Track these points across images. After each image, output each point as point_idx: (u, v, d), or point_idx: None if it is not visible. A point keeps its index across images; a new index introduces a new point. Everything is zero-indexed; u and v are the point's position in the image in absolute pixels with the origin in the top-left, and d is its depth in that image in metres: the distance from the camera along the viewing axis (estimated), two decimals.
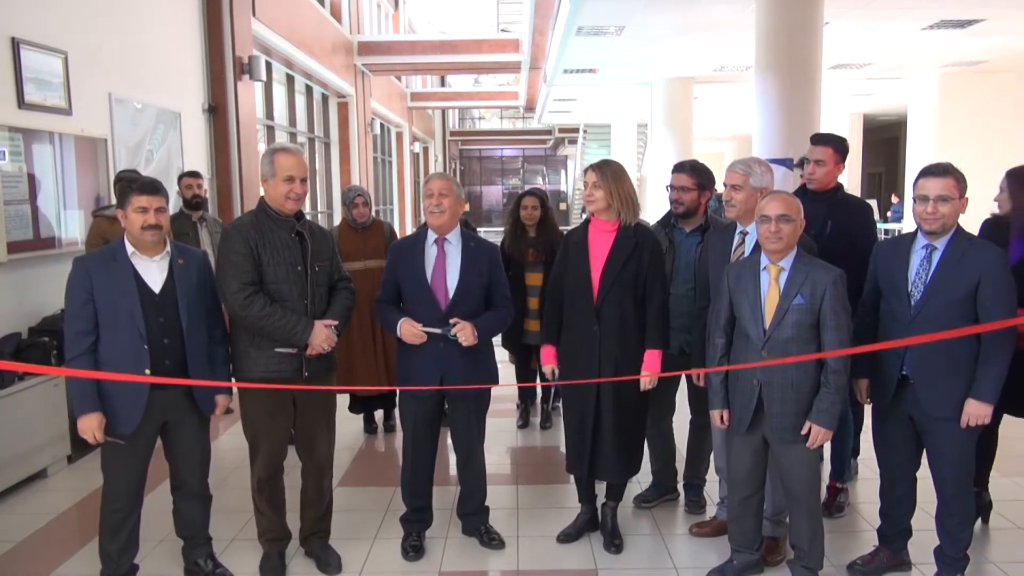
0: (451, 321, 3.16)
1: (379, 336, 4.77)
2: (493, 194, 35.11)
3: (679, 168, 3.59)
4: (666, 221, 3.66)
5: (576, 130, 23.60)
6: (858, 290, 3.04)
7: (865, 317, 3.01)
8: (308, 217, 3.28)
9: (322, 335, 2.99)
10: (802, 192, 3.55)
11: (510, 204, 5.01)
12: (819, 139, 3.64)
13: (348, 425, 4.97)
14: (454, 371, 3.21)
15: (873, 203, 10.22)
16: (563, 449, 3.74)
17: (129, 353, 2.78)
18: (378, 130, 16.02)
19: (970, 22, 8.57)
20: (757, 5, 7.25)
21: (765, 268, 2.85)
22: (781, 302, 2.78)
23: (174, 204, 5.45)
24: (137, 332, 2.78)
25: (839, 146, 3.58)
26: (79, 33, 5.24)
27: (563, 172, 35.29)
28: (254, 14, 8.03)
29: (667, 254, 3.51)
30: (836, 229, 3.39)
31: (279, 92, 10.45)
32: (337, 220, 10.60)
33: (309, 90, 11.78)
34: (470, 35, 15.03)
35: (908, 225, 12.55)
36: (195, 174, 5.42)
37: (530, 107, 20.08)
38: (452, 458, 3.95)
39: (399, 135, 19.07)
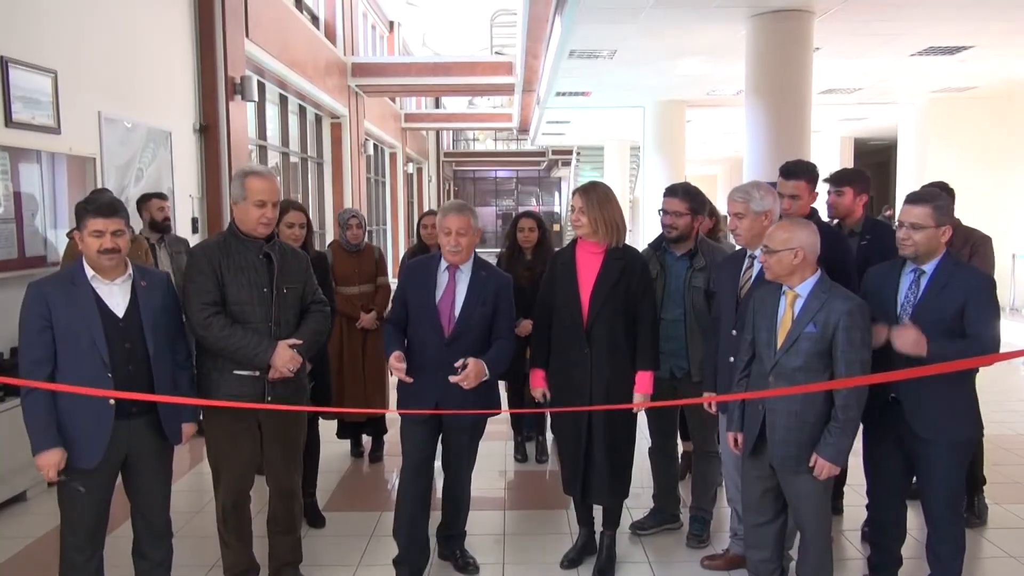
0: (456, 365, 3.05)
1: (368, 361, 4.76)
2: (487, 215, 35.21)
3: (671, 192, 3.53)
4: (657, 244, 3.63)
5: (570, 152, 23.67)
6: None
7: None
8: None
9: (285, 356, 2.89)
10: None
11: (507, 227, 4.90)
12: (790, 173, 3.40)
13: (334, 448, 4.91)
14: (451, 398, 3.12)
15: None
16: (552, 472, 3.68)
17: (91, 382, 2.58)
18: (371, 151, 16.06)
19: (959, 48, 8.64)
20: (747, 31, 7.30)
21: (784, 293, 2.81)
22: (792, 329, 2.73)
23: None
24: (100, 359, 2.60)
25: (811, 175, 3.41)
26: (70, 52, 5.23)
27: (557, 194, 35.42)
28: (247, 34, 8.04)
29: (658, 278, 3.49)
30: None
31: (272, 112, 10.45)
32: (329, 240, 10.60)
33: (302, 110, 11.80)
34: (464, 57, 15.14)
35: None
36: (159, 195, 5.37)
37: (524, 129, 20.16)
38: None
39: (393, 156, 19.09)
